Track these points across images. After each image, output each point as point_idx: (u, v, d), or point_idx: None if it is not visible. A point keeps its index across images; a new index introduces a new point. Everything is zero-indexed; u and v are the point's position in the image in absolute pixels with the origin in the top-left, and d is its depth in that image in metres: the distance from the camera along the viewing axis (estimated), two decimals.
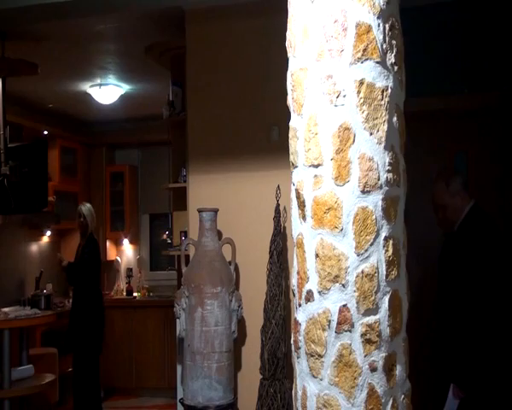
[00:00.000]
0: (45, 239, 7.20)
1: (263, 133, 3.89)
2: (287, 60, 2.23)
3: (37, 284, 6.38)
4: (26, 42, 4.58)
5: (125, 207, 7.68)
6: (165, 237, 7.93)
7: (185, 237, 4.19)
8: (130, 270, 7.50)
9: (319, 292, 2.03)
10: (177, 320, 3.74)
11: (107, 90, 6.03)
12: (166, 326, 6.74)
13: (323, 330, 2.01)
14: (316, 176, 2.04)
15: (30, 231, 6.86)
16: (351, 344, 1.98)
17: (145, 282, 7.53)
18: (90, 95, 6.13)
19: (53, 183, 6.65)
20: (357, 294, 1.98)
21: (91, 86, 6.00)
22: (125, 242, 7.67)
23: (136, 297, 7.27)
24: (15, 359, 4.70)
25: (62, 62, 5.26)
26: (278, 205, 3.73)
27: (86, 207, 5.48)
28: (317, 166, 2.04)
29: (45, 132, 6.63)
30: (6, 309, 4.81)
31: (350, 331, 1.98)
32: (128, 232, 7.63)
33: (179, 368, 4.00)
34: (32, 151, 4.55)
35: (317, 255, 2.04)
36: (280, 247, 3.67)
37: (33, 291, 6.21)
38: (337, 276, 1.99)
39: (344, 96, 2.00)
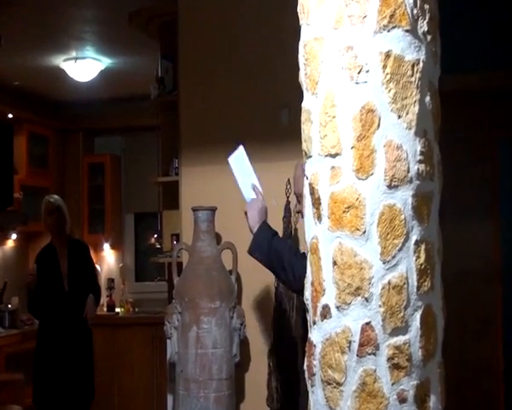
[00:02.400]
0: (10, 243, 7.23)
1: (270, 116, 3.90)
2: (299, 28, 2.23)
3: (0, 298, 6.42)
4: None
5: (106, 205, 7.72)
6: (153, 241, 7.92)
7: (177, 242, 4.21)
8: (111, 280, 7.54)
9: (337, 307, 2.03)
10: (168, 341, 3.76)
11: (84, 65, 6.05)
12: (155, 348, 6.77)
13: (343, 352, 2.01)
14: (333, 168, 2.04)
15: None
16: (375, 370, 1.98)
17: (129, 295, 7.56)
18: (63, 71, 6.16)
19: (19, 176, 6.68)
20: (382, 309, 1.98)
21: (65, 60, 6.02)
22: (106, 246, 7.70)
23: (118, 313, 7.31)
24: None
25: (30, 32, 5.29)
26: (288, 203, 3.74)
27: (59, 199, 5.12)
28: (334, 155, 2.04)
29: (10, 116, 6.66)
30: None
31: (374, 355, 1.98)
32: (109, 235, 7.66)
33: (170, 398, 4.01)
34: None
35: (334, 263, 2.04)
36: None
37: None
38: (359, 288, 1.99)
39: (367, 71, 2.00)
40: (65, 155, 7.77)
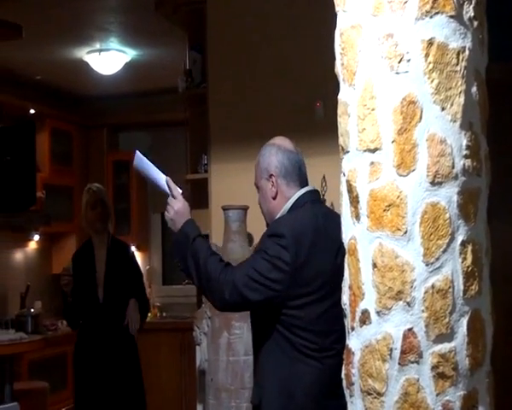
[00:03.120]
0: (32, 245, 7.33)
1: (304, 110, 3.90)
2: (335, 15, 2.22)
3: (22, 302, 6.50)
4: None
5: (132, 204, 7.78)
6: None
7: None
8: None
9: (378, 312, 2.02)
10: (197, 348, 3.77)
11: (108, 58, 6.11)
12: (183, 355, 6.81)
13: (383, 361, 2.00)
14: (372, 163, 2.04)
15: (13, 236, 6.99)
16: (418, 379, 1.97)
17: (156, 299, 7.62)
18: (87, 63, 6.22)
19: (42, 174, 6.76)
20: (426, 315, 1.96)
21: (89, 53, 6.08)
22: (132, 248, 7.76)
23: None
24: None
25: (53, 23, 5.35)
26: (324, 201, 3.73)
27: (103, 190, 4.64)
28: (373, 150, 2.04)
29: (32, 111, 6.74)
30: None
31: (417, 363, 1.96)
32: (135, 236, 7.72)
33: (200, 408, 4.03)
34: (15, 135, 4.64)
35: (374, 265, 2.03)
36: None
37: (18, 310, 6.34)
38: (400, 292, 1.98)
39: (408, 60, 1.99)
40: (89, 152, 7.85)
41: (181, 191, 2.72)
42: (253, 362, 2.71)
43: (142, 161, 2.83)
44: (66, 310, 4.50)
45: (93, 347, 4.38)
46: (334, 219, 2.63)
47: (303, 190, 2.66)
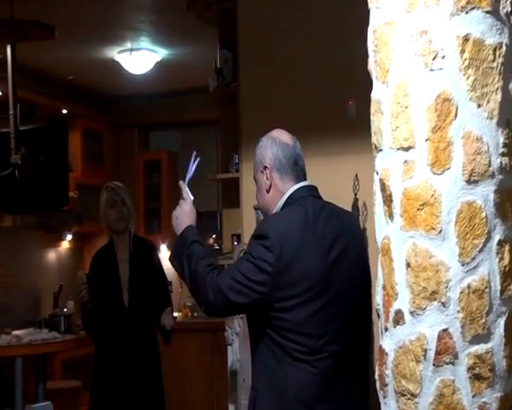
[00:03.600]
0: (65, 245, 7.42)
1: (336, 108, 3.88)
2: (367, 12, 2.21)
3: (55, 302, 6.57)
4: None
5: (163, 203, 7.82)
6: (211, 241, 8.00)
7: (238, 242, 4.23)
8: (168, 284, 7.63)
9: (411, 313, 2.01)
10: (229, 348, 3.78)
11: (139, 57, 6.15)
12: (215, 356, 6.83)
13: (418, 362, 2.00)
14: (406, 162, 2.03)
15: (47, 236, 7.09)
16: (454, 381, 1.96)
17: (187, 299, 7.64)
18: (118, 63, 6.28)
19: (74, 174, 6.83)
20: (461, 315, 1.95)
21: (120, 52, 6.13)
22: (163, 248, 7.81)
23: (176, 318, 7.39)
24: (30, 393, 4.87)
25: (84, 23, 5.40)
26: (356, 200, 3.71)
27: (122, 187, 4.41)
28: (407, 149, 2.03)
29: (64, 111, 6.82)
30: (18, 332, 4.98)
31: (453, 364, 1.95)
32: (166, 236, 7.75)
33: (231, 408, 4.04)
34: (48, 135, 4.68)
35: (408, 265, 2.02)
36: None
37: (51, 310, 6.41)
38: (435, 292, 1.97)
39: (443, 57, 1.98)
40: (120, 151, 7.91)
41: (192, 198, 2.75)
42: (251, 365, 2.68)
43: (190, 161, 2.90)
44: (85, 319, 4.24)
45: (116, 355, 4.13)
46: (331, 213, 2.62)
47: (297, 186, 2.61)
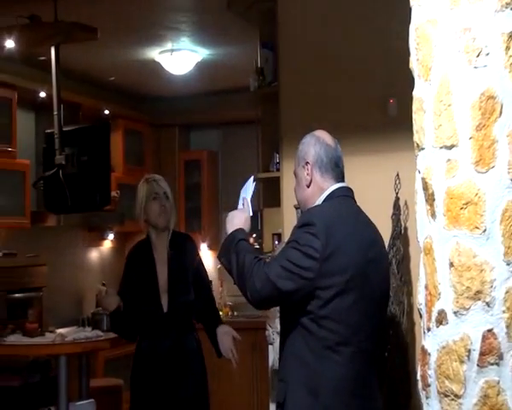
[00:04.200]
0: (107, 244, 7.51)
1: (377, 106, 3.87)
2: (409, 10, 2.20)
3: (98, 300, 6.65)
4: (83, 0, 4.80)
5: (203, 203, 7.87)
6: (252, 240, 8.02)
7: (279, 242, 4.24)
8: (210, 283, 7.67)
9: (455, 313, 2.00)
10: (270, 347, 3.79)
11: (180, 58, 6.19)
12: (256, 355, 6.84)
13: (461, 362, 1.98)
14: (449, 160, 2.02)
15: (89, 235, 7.18)
16: (499, 382, 1.94)
17: (228, 298, 7.67)
18: (159, 64, 6.32)
19: (116, 174, 6.90)
20: (507, 315, 1.94)
21: (161, 53, 6.18)
22: (203, 247, 7.85)
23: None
24: (73, 391, 4.93)
25: (126, 24, 5.46)
26: (398, 199, 3.70)
27: (163, 180, 4.03)
28: (450, 147, 2.02)
29: (106, 112, 6.90)
30: (62, 330, 5.05)
31: (497, 365, 1.94)
32: (206, 235, 7.80)
33: (273, 407, 4.05)
34: (91, 135, 4.74)
35: (451, 264, 2.01)
36: (400, 253, 3.65)
37: (94, 309, 6.48)
38: (479, 291, 1.95)
39: (487, 54, 1.96)
40: (160, 151, 7.97)
41: (252, 214, 2.85)
42: (279, 358, 2.70)
43: (248, 184, 2.98)
44: (116, 322, 3.95)
45: (157, 359, 3.84)
46: (366, 221, 2.70)
47: (337, 185, 2.68)
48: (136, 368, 3.92)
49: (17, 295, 5.77)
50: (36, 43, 4.84)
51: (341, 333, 2.50)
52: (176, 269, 3.91)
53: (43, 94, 5.95)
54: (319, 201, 2.66)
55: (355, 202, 2.72)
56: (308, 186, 2.69)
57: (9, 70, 5.86)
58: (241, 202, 2.89)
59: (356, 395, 2.52)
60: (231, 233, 2.71)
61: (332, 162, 2.69)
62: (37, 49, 5.10)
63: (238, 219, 2.75)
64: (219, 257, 2.74)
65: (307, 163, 2.68)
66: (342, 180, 2.71)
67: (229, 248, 2.66)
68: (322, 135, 2.75)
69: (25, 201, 6.02)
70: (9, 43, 4.65)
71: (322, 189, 2.66)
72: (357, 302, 2.51)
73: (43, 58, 5.24)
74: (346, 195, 2.68)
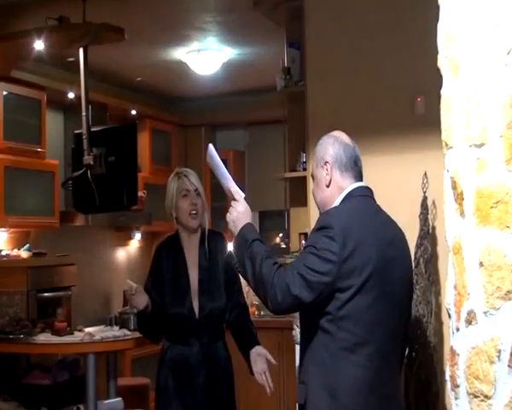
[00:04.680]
0: (134, 244, 7.55)
1: (404, 105, 3.85)
2: (437, 7, 2.19)
3: (125, 299, 6.69)
4: (111, 1, 4.83)
5: (229, 203, 7.86)
6: (278, 240, 8.03)
7: (306, 241, 4.23)
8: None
9: (485, 313, 1.98)
10: (297, 347, 3.78)
11: (206, 58, 6.21)
12: (282, 354, 6.83)
13: (491, 362, 1.96)
14: (479, 159, 2.00)
15: (116, 235, 7.24)
16: None
17: (254, 298, 7.66)
18: (185, 64, 6.35)
19: (143, 174, 6.95)
20: None
21: (187, 53, 6.20)
22: (230, 246, 7.86)
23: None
24: (101, 390, 4.96)
25: (152, 25, 5.49)
26: (425, 198, 3.68)
27: (195, 175, 3.74)
28: (480, 145, 1.99)
29: (133, 112, 6.95)
30: (90, 329, 5.09)
31: None
32: (233, 235, 7.81)
33: None
34: (119, 136, 4.78)
35: (481, 264, 1.99)
36: (428, 253, 3.63)
37: (121, 308, 6.53)
38: (510, 291, 1.92)
39: None
40: (187, 151, 8.01)
41: (243, 195, 2.77)
42: (299, 360, 2.68)
43: (213, 157, 2.88)
44: (143, 321, 3.69)
45: (185, 373, 3.58)
46: (386, 220, 2.66)
47: (356, 185, 2.65)
48: (162, 375, 3.64)
49: (47, 294, 5.83)
50: (64, 45, 4.90)
51: (359, 334, 2.48)
52: (208, 271, 3.64)
53: (71, 95, 6.01)
54: (338, 200, 2.63)
55: (374, 201, 2.70)
56: (328, 186, 2.66)
57: (39, 71, 5.93)
58: (228, 193, 2.78)
59: (375, 395, 2.51)
60: (240, 234, 2.67)
61: (351, 161, 2.66)
62: (66, 51, 5.14)
63: (238, 219, 2.72)
64: (232, 260, 2.72)
65: (326, 163, 2.66)
66: (361, 179, 2.69)
67: (241, 252, 2.62)
68: (340, 135, 2.73)
69: (54, 201, 6.08)
70: (39, 45, 4.71)
71: (342, 188, 2.64)
72: (376, 302, 2.49)
73: (71, 59, 5.29)
74: (364, 194, 2.66)
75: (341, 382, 2.48)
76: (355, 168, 2.67)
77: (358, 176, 2.68)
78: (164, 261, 3.70)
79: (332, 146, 2.68)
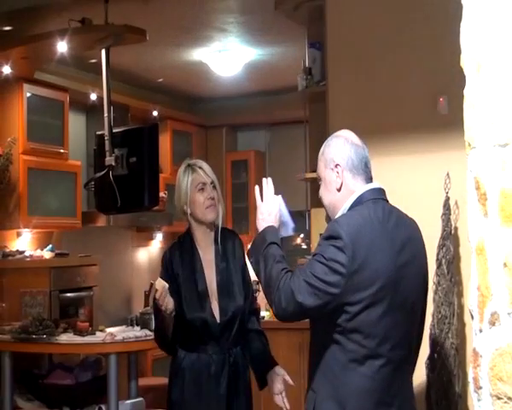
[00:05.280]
0: (155, 244, 7.59)
1: (426, 105, 3.83)
2: (460, 6, 2.18)
3: (146, 300, 6.72)
4: (132, 2, 4.86)
5: (250, 203, 7.89)
6: (299, 241, 8.03)
7: None
8: (256, 283, 7.67)
9: (509, 314, 1.96)
10: None
11: (227, 59, 6.22)
12: (302, 354, 6.83)
13: None
14: (503, 159, 1.98)
15: (138, 235, 7.27)
16: None
17: None
18: (207, 65, 6.36)
19: (164, 175, 6.98)
20: None
21: (209, 54, 6.21)
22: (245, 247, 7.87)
23: (264, 318, 7.43)
24: (123, 390, 4.99)
25: (174, 26, 5.51)
26: (448, 198, 3.66)
27: (209, 168, 3.53)
28: (504, 145, 1.98)
29: (155, 113, 6.97)
30: (112, 329, 5.11)
31: None
32: (254, 235, 7.81)
33: None
34: (140, 137, 4.80)
35: (505, 265, 1.97)
36: (451, 254, 3.61)
37: (142, 308, 6.56)
38: None
39: None
40: (208, 151, 8.03)
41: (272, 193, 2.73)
42: (308, 366, 2.66)
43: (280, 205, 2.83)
44: (164, 329, 3.31)
45: (203, 383, 3.31)
46: (399, 219, 2.58)
47: (367, 187, 2.57)
48: (176, 389, 3.37)
49: (69, 294, 5.87)
50: (87, 47, 4.94)
51: (369, 346, 2.44)
52: (226, 271, 3.38)
53: (93, 96, 6.06)
54: (348, 204, 2.56)
55: (387, 201, 2.61)
56: (339, 190, 2.57)
57: (62, 73, 5.98)
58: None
59: (383, 406, 2.48)
60: (262, 233, 2.64)
61: (362, 163, 2.58)
62: (89, 52, 5.18)
63: (270, 214, 2.67)
64: (248, 255, 2.66)
65: (337, 165, 2.56)
66: (371, 181, 2.60)
67: (259, 250, 2.59)
68: (350, 135, 2.64)
69: (76, 201, 6.13)
70: (61, 47, 4.74)
71: (353, 191, 2.56)
72: (387, 313, 2.45)
73: (93, 61, 5.33)
74: (375, 198, 2.56)
75: (349, 392, 2.46)
76: (366, 170, 2.59)
77: (369, 178, 2.60)
78: (178, 263, 3.37)
79: (343, 148, 2.59)
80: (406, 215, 2.66)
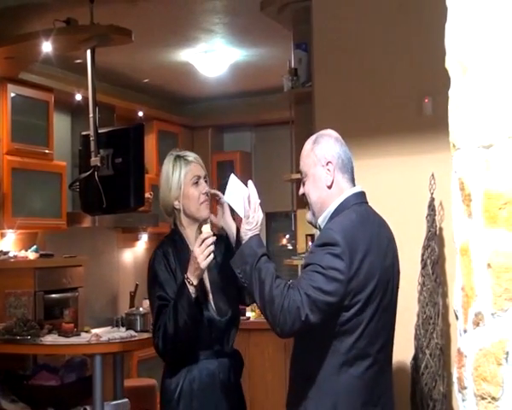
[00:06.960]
0: (141, 245, 7.57)
1: (411, 106, 3.84)
2: (445, 7, 2.18)
3: (131, 301, 6.70)
4: (118, 3, 4.84)
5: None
6: (285, 241, 8.04)
7: (312, 243, 4.22)
8: None
9: (492, 314, 1.97)
10: None
11: (213, 59, 6.21)
12: (288, 354, 6.82)
13: (499, 364, 1.95)
14: (487, 160, 1.99)
15: (123, 236, 7.24)
16: None
17: None
18: (193, 66, 6.35)
19: (150, 175, 6.95)
20: None
21: (194, 55, 6.21)
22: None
23: (249, 318, 7.43)
24: (108, 391, 4.97)
25: (159, 27, 5.50)
26: (433, 199, 3.67)
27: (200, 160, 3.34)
28: (488, 147, 1.99)
29: (140, 113, 6.96)
30: (97, 330, 5.09)
31: None
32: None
33: None
34: (126, 137, 4.78)
35: (489, 266, 1.98)
36: (435, 254, 3.62)
37: (127, 309, 6.54)
38: None
39: None
40: (194, 152, 8.00)
41: (259, 201, 2.72)
42: (289, 381, 2.69)
43: (234, 184, 2.79)
44: (188, 318, 2.92)
45: (213, 395, 3.06)
46: (380, 221, 2.62)
47: (352, 191, 2.58)
48: (173, 394, 3.03)
49: (54, 295, 5.84)
50: (72, 47, 4.91)
51: (360, 346, 2.46)
52: (220, 270, 3.12)
53: (79, 96, 6.03)
54: (335, 203, 2.55)
55: (367, 205, 2.63)
56: (330, 187, 2.56)
57: (47, 73, 5.95)
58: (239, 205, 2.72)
59: (369, 405, 2.50)
60: (247, 243, 2.57)
61: (350, 163, 2.60)
62: (74, 53, 5.16)
63: (258, 222, 2.64)
64: (235, 265, 2.56)
65: (329, 162, 2.56)
66: (354, 182, 2.61)
67: (247, 261, 2.52)
68: (338, 135, 2.65)
69: (61, 202, 6.10)
70: (46, 47, 4.72)
71: (342, 190, 2.56)
72: (376, 314, 2.47)
73: (79, 61, 5.30)
74: (359, 202, 2.58)
75: (339, 393, 2.47)
76: (351, 171, 2.61)
77: (353, 179, 2.61)
78: (174, 259, 3.07)
79: (334, 146, 2.59)
80: (380, 216, 2.67)
